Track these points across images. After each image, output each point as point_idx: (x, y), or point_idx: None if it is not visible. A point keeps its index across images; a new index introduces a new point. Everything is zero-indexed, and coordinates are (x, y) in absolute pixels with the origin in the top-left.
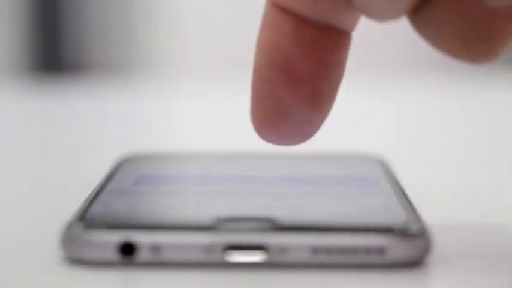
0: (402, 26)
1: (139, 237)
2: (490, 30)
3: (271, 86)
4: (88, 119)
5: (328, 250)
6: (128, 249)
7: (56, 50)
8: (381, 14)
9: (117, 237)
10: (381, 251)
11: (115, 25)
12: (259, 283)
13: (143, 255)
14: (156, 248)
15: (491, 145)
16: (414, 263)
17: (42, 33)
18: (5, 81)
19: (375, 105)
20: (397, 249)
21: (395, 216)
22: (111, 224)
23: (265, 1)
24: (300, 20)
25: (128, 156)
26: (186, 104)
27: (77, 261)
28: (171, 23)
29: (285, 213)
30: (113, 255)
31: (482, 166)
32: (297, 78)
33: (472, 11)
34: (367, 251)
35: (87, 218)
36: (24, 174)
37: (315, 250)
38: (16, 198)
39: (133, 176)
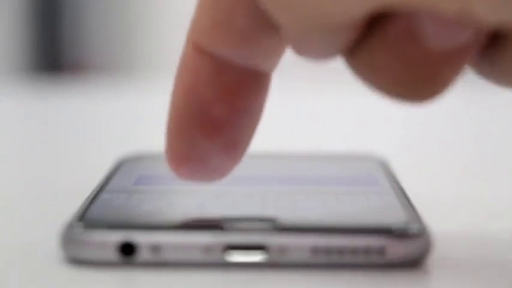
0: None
1: (139, 237)
2: (432, 71)
3: (186, 131)
4: (88, 119)
5: (328, 250)
6: (128, 249)
7: (56, 50)
8: (313, 55)
9: (117, 237)
10: (380, 251)
11: (115, 25)
12: (259, 283)
13: (143, 255)
14: (156, 248)
15: (492, 146)
16: (414, 263)
17: (42, 33)
18: (5, 81)
19: (375, 105)
20: (397, 249)
21: (395, 216)
22: (111, 224)
23: (184, 41)
24: (219, 63)
25: (128, 156)
26: None
27: (77, 261)
28: (171, 23)
29: (285, 213)
30: (113, 255)
31: (482, 167)
32: (213, 126)
33: (412, 53)
34: (367, 251)
35: (87, 218)
36: (24, 174)
37: (315, 250)
38: (16, 198)
39: (133, 176)
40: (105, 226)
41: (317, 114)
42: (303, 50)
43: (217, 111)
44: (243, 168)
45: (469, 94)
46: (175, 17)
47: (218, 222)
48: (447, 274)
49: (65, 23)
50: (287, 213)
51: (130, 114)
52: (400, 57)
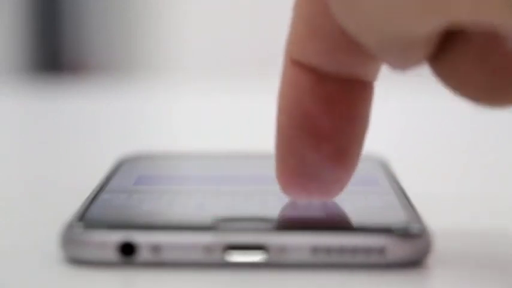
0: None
1: (139, 237)
2: None
3: (294, 145)
4: (88, 119)
5: (328, 250)
6: (128, 249)
7: (56, 50)
8: (399, 65)
9: (117, 237)
10: (381, 251)
11: (115, 25)
12: (259, 283)
13: (143, 255)
14: (156, 248)
15: (492, 146)
16: (414, 263)
17: (42, 33)
18: (5, 81)
19: (375, 105)
20: (397, 249)
21: (395, 216)
22: (111, 224)
23: (283, 58)
24: (319, 75)
25: (128, 156)
26: (185, 104)
27: (77, 261)
28: (171, 23)
29: (284, 213)
30: (113, 255)
31: (483, 167)
32: (320, 136)
33: (495, 61)
34: (367, 251)
35: (87, 218)
36: (24, 174)
37: (315, 250)
38: (16, 198)
39: (133, 176)
40: (105, 226)
41: None
42: (387, 62)
43: (322, 121)
44: (243, 168)
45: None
46: (176, 17)
47: (218, 222)
48: (447, 274)
49: (65, 23)
50: (287, 213)
51: (130, 114)
52: (483, 64)
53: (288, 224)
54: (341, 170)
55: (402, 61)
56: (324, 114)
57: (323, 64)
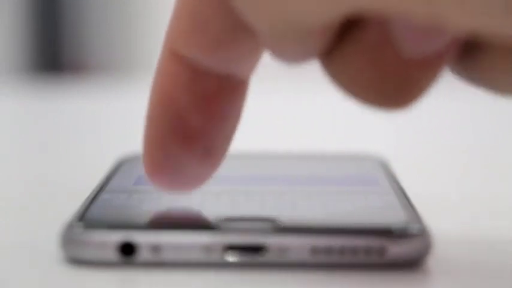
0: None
1: (139, 237)
2: (407, 79)
3: (162, 140)
4: (88, 119)
5: (328, 250)
6: (128, 249)
7: (56, 50)
8: (289, 58)
9: (117, 237)
10: (381, 251)
11: (115, 25)
12: (259, 283)
13: (143, 255)
14: (156, 248)
15: (493, 146)
16: (414, 263)
17: (42, 33)
18: (5, 81)
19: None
20: (397, 249)
21: (395, 216)
22: (111, 224)
23: (162, 48)
24: (196, 70)
25: (128, 156)
26: None
27: (77, 261)
28: None
29: (285, 213)
30: (113, 255)
31: (483, 167)
32: (190, 134)
33: (386, 61)
34: (367, 251)
35: (87, 218)
36: (24, 174)
37: (315, 250)
38: (16, 198)
39: (133, 176)
40: (105, 226)
41: (317, 114)
42: (278, 53)
43: (193, 119)
44: (242, 168)
45: (468, 94)
46: None
47: (218, 222)
48: (447, 274)
49: (65, 23)
50: (287, 213)
51: (130, 114)
52: (374, 64)
53: (288, 224)
54: (206, 167)
55: (293, 52)
56: (197, 113)
57: (201, 59)
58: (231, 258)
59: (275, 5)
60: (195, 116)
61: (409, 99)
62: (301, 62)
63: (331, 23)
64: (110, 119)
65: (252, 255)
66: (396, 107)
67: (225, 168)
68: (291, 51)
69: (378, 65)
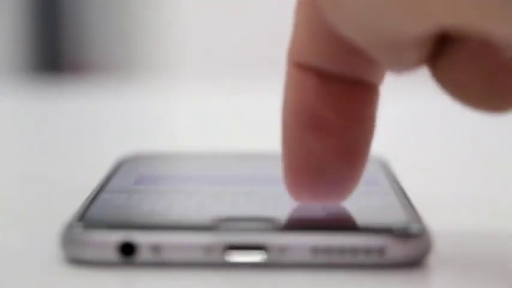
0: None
1: (139, 237)
2: (510, 83)
3: (302, 145)
4: (88, 119)
5: (328, 250)
6: (128, 249)
7: (56, 50)
8: (395, 68)
9: (117, 237)
10: (381, 251)
11: (115, 25)
12: (259, 283)
13: (143, 255)
14: (156, 248)
15: (492, 146)
16: (414, 263)
17: (42, 33)
18: (5, 81)
19: None
20: (397, 249)
21: (395, 216)
22: (111, 224)
23: (286, 61)
24: (324, 76)
25: (128, 156)
26: (186, 104)
27: (77, 261)
28: (171, 23)
29: (285, 213)
30: (113, 255)
31: (482, 166)
32: (328, 134)
33: (489, 66)
34: (367, 251)
35: (87, 218)
36: (24, 174)
37: (315, 250)
38: (16, 198)
39: (133, 176)
40: (105, 226)
41: None
42: (382, 62)
43: (328, 118)
44: (243, 168)
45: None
46: (176, 17)
47: (218, 222)
48: (447, 274)
49: (65, 23)
50: (287, 213)
51: (131, 114)
52: (478, 70)
53: (288, 224)
54: (349, 168)
55: (396, 63)
56: (331, 112)
57: (326, 66)
58: (231, 258)
59: (366, 22)
60: (330, 116)
61: None
62: (409, 70)
63: (425, 35)
64: (110, 119)
65: (252, 255)
66: (503, 110)
67: (225, 168)
68: (392, 62)
69: (481, 71)
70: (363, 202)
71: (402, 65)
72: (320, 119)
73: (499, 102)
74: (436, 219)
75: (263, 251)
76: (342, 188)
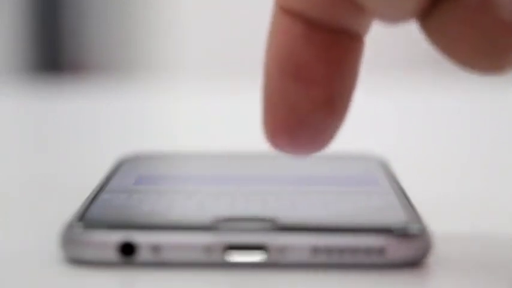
0: (403, 25)
1: (139, 237)
2: (504, 42)
3: (284, 93)
4: (88, 119)
5: (328, 250)
6: (128, 249)
7: (56, 50)
8: (388, 16)
9: (117, 237)
10: (381, 251)
11: (115, 25)
12: (259, 283)
13: (143, 255)
14: (156, 248)
15: (493, 146)
16: (414, 263)
17: (42, 33)
18: (5, 81)
19: (375, 104)
20: (397, 249)
21: (395, 216)
22: (111, 224)
23: (272, 6)
24: (310, 24)
25: (128, 156)
26: (186, 104)
27: (77, 261)
28: (171, 23)
29: (285, 213)
30: (113, 255)
31: (482, 166)
32: (311, 81)
33: (486, 24)
34: (367, 251)
35: (87, 218)
36: (24, 174)
37: (315, 250)
38: (16, 198)
39: (133, 176)
40: (105, 226)
41: None
42: (376, 12)
43: (313, 67)
44: (243, 167)
45: (468, 94)
46: (176, 17)
47: (218, 222)
48: (447, 274)
49: (65, 23)
50: (287, 213)
51: (130, 114)
52: (474, 27)
53: (288, 224)
54: (331, 118)
55: (391, 12)
56: (315, 60)
57: (314, 13)
58: (231, 258)
59: None
60: (314, 65)
61: (507, 63)
62: (401, 21)
63: None
64: (110, 119)
65: (252, 255)
66: (493, 70)
67: (225, 168)
68: (387, 10)
69: (478, 27)
70: (363, 202)
71: (397, 14)
72: (304, 67)
73: (492, 61)
74: (436, 219)
75: (263, 251)
76: (322, 137)
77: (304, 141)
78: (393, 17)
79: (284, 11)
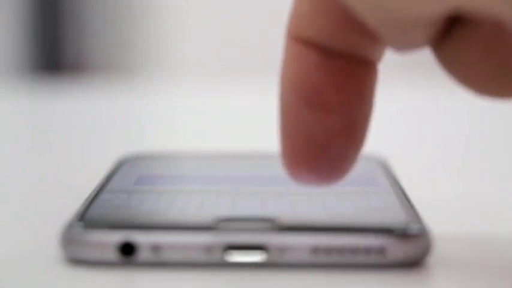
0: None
1: (139, 237)
2: None
3: (301, 122)
4: (88, 119)
5: (328, 250)
6: (128, 249)
7: (56, 50)
8: (401, 44)
9: (117, 237)
10: (381, 251)
11: (115, 25)
12: (259, 283)
13: (143, 255)
14: (156, 248)
15: (493, 146)
16: (414, 263)
17: (42, 33)
18: (5, 81)
19: (375, 105)
20: (397, 249)
21: (395, 216)
22: (111, 224)
23: (284, 35)
24: (324, 51)
25: (129, 156)
26: (186, 104)
27: (77, 261)
28: (171, 23)
29: (285, 213)
30: (113, 255)
31: (483, 167)
32: (327, 109)
33: (502, 51)
34: (367, 251)
35: (87, 218)
36: (24, 174)
37: (315, 250)
38: (16, 198)
39: (133, 176)
40: (105, 226)
41: None
42: (388, 41)
43: (329, 95)
44: (243, 168)
45: (468, 94)
46: (175, 17)
47: (218, 222)
48: (447, 274)
49: (65, 23)
50: (287, 213)
51: (131, 114)
52: (491, 55)
53: (288, 224)
54: (349, 146)
55: (402, 42)
56: (331, 88)
57: (327, 41)
58: (231, 258)
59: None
60: (330, 93)
61: None
62: (413, 50)
63: (437, 17)
64: (110, 119)
65: (252, 255)
66: (508, 96)
67: (225, 168)
68: (399, 41)
69: (494, 56)
70: (363, 202)
71: (408, 43)
72: (319, 95)
73: (508, 89)
74: (436, 219)
75: (263, 251)
76: (342, 166)
77: (324, 171)
78: (406, 45)
79: (297, 39)
